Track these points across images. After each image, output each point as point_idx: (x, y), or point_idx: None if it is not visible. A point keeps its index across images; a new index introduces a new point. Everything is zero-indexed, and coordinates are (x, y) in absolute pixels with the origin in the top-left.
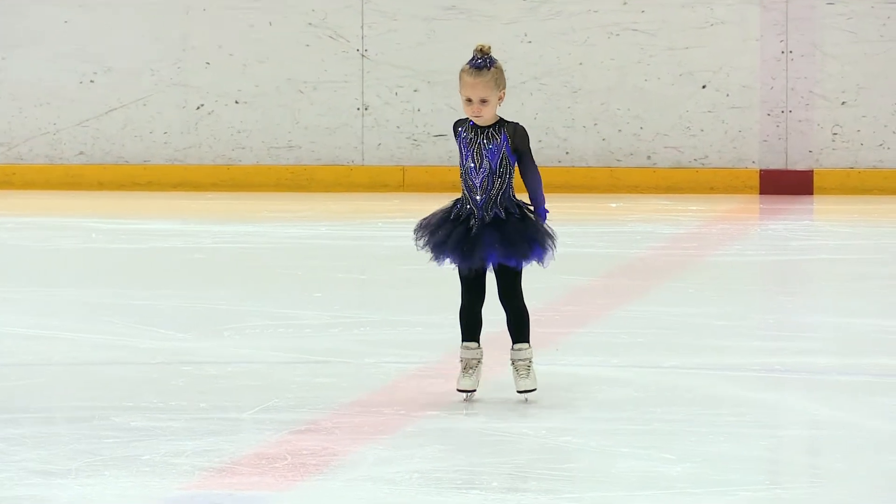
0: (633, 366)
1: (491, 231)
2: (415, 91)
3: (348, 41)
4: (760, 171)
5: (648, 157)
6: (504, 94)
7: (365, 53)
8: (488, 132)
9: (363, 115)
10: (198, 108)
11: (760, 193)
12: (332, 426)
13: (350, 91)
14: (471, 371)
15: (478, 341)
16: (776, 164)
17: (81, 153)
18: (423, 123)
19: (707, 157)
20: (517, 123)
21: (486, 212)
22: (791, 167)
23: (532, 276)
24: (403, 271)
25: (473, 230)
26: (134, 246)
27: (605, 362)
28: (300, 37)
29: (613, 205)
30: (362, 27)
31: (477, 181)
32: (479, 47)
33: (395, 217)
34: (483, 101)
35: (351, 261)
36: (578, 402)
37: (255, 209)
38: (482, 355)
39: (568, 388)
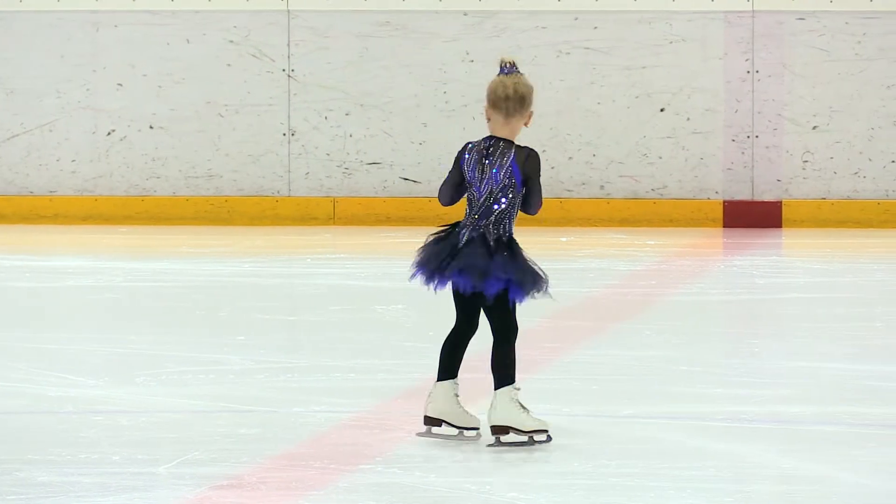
0: (587, 415)
1: None
2: (346, 115)
3: (273, 60)
4: (724, 202)
5: (602, 187)
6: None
7: (292, 74)
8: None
9: (290, 142)
10: (108, 133)
11: (724, 226)
12: (258, 481)
13: (275, 115)
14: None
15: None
16: (741, 194)
17: None
18: (355, 150)
19: (666, 186)
20: None
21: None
22: (758, 198)
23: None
24: (334, 312)
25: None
26: (39, 284)
27: (556, 411)
28: (221, 55)
29: (564, 239)
30: (289, 45)
31: None
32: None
33: (324, 253)
34: None
35: (277, 301)
36: (526, 456)
37: (172, 244)
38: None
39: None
